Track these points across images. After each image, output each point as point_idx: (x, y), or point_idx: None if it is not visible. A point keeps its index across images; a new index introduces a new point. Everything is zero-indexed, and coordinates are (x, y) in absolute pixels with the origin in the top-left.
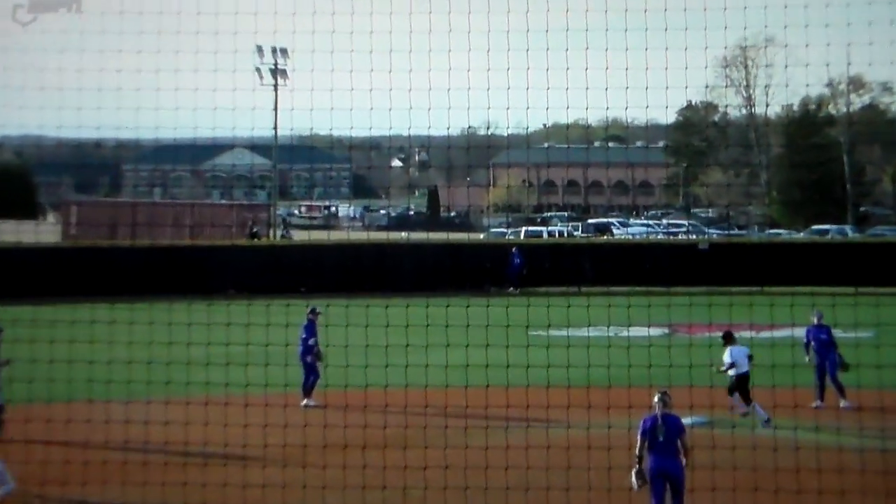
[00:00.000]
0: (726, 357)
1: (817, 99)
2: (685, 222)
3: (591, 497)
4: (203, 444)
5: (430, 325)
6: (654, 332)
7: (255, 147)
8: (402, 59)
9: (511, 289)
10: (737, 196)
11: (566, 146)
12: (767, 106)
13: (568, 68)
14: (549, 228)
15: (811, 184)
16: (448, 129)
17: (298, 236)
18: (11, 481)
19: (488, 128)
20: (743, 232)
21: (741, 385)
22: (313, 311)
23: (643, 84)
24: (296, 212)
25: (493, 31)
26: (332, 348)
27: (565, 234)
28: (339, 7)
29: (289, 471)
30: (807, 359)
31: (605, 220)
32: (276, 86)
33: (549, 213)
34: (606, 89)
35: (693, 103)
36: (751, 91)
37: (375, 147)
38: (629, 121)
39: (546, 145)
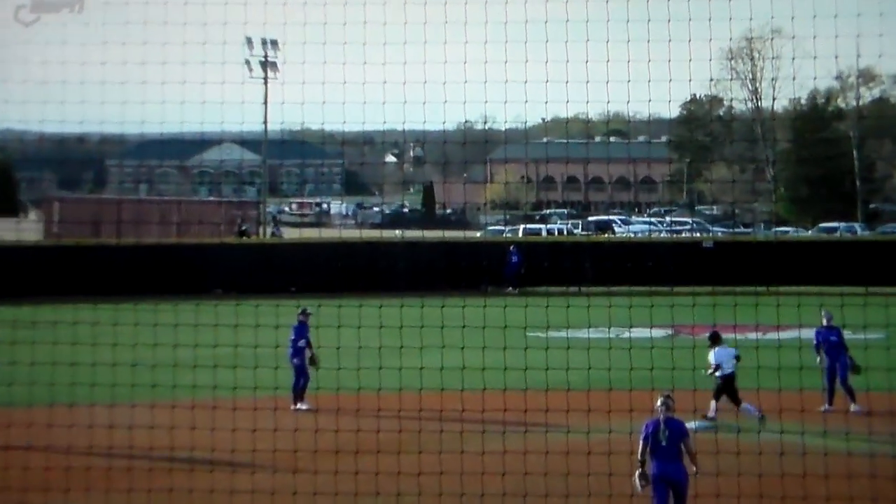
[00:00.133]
0: (711, 358)
1: (826, 92)
2: (689, 220)
3: None
4: (190, 449)
5: (425, 327)
6: (657, 333)
7: (245, 142)
8: (396, 52)
9: (509, 289)
10: (742, 193)
11: (566, 141)
12: (774, 99)
13: (568, 61)
14: (549, 226)
15: (819, 180)
16: (444, 123)
17: (289, 234)
18: None
19: (485, 122)
20: (748, 230)
21: (728, 387)
22: (304, 312)
23: (645, 77)
24: (286, 209)
25: (491, 23)
26: (323, 350)
27: (565, 232)
28: None
29: (278, 477)
30: (818, 360)
31: (606, 217)
32: (265, 78)
33: (548, 211)
34: (607, 82)
35: (697, 97)
36: (757, 84)
37: (369, 142)
38: (631, 115)
39: (545, 140)
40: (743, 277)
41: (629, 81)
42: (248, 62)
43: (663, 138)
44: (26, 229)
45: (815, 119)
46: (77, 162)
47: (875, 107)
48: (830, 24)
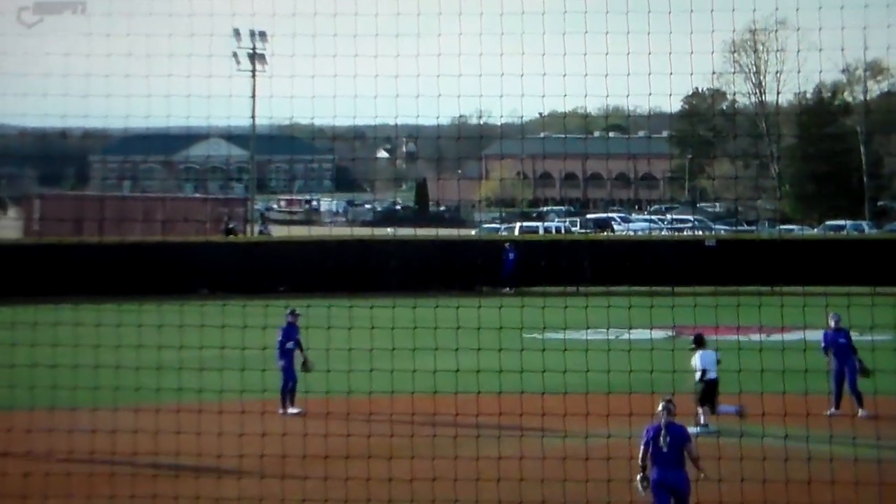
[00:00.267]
0: (696, 362)
1: (832, 86)
2: (691, 217)
3: None
4: (174, 455)
5: (418, 328)
6: (657, 334)
7: (232, 137)
8: (388, 44)
9: (506, 289)
10: (746, 189)
11: (563, 136)
12: (779, 93)
13: (565, 53)
14: (546, 224)
15: (825, 176)
16: (438, 117)
17: (277, 232)
18: None
19: (480, 116)
20: (752, 228)
21: (711, 392)
22: (293, 313)
23: (646, 70)
24: (275, 206)
25: (486, 14)
26: (312, 352)
27: (563, 230)
28: None
29: (266, 483)
30: (826, 359)
31: (605, 215)
32: (253, 71)
33: (545, 208)
34: (606, 76)
35: (699, 90)
36: (761, 77)
37: (360, 137)
38: (631, 109)
39: (542, 135)
40: (746, 277)
41: (629, 75)
42: (235, 55)
43: (664, 133)
44: (5, 227)
45: (821, 113)
46: (59, 157)
47: (883, 101)
48: (837, 16)
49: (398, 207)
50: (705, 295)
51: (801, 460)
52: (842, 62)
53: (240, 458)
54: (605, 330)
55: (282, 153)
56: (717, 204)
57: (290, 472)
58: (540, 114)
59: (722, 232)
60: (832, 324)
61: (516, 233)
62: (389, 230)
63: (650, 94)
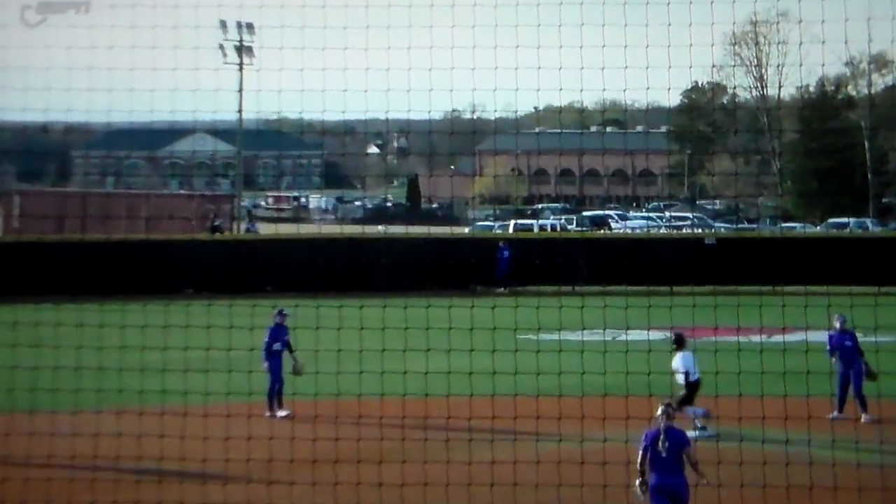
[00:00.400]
0: (678, 363)
1: (835, 79)
2: (690, 215)
3: None
4: (158, 459)
5: (409, 328)
6: (655, 335)
7: (218, 132)
8: (379, 36)
9: (501, 289)
10: (746, 186)
11: (559, 131)
12: (780, 87)
13: (561, 46)
14: (541, 221)
15: (828, 172)
16: (430, 112)
17: (265, 230)
18: None
19: (474, 111)
20: (753, 225)
21: (692, 393)
22: (280, 313)
23: (644, 63)
24: (262, 203)
25: (479, 6)
26: (300, 353)
27: (558, 228)
28: None
29: (252, 488)
30: (832, 362)
31: (601, 212)
32: (240, 64)
33: (540, 205)
34: (603, 69)
35: (699, 84)
36: (762, 71)
37: (350, 132)
38: (628, 103)
39: (537, 130)
40: (747, 276)
41: (626, 68)
42: (222, 47)
43: (663, 128)
44: None
45: (824, 108)
46: (40, 152)
47: (888, 94)
48: (840, 7)
49: (389, 204)
50: (704, 295)
51: (803, 465)
52: (845, 55)
53: (225, 463)
54: (601, 331)
55: (269, 149)
56: (717, 201)
57: (277, 478)
58: (535, 108)
59: (722, 230)
60: (837, 325)
61: (510, 231)
62: (380, 228)
63: (648, 87)
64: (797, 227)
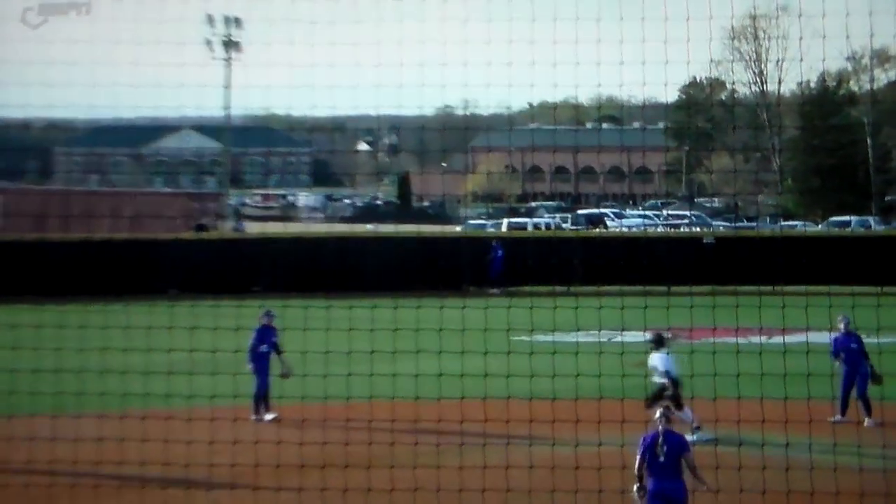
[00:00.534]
0: (658, 363)
1: (837, 74)
2: (688, 213)
3: None
4: (140, 464)
5: (399, 329)
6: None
7: (204, 129)
8: (369, 31)
9: (494, 290)
10: (746, 184)
11: (554, 128)
12: (780, 83)
13: (556, 41)
14: (535, 220)
15: (830, 170)
16: (421, 108)
17: (252, 229)
18: None
19: (466, 107)
20: (752, 224)
21: (661, 394)
22: (267, 314)
23: (640, 58)
24: (249, 201)
25: None
26: (287, 355)
27: (553, 227)
28: None
29: (238, 494)
30: (836, 365)
31: (597, 210)
32: (228, 60)
33: (534, 203)
34: (599, 64)
35: (697, 80)
36: (762, 66)
37: (339, 129)
38: (625, 99)
39: (531, 127)
40: (746, 276)
41: (622, 63)
42: (209, 42)
43: (660, 125)
44: None
45: (825, 104)
46: (21, 149)
47: (890, 90)
48: (841, 1)
49: (379, 203)
50: (703, 295)
51: (804, 469)
52: (847, 50)
53: (210, 468)
54: (596, 332)
55: (257, 145)
56: (716, 199)
57: (263, 483)
58: (529, 104)
59: (721, 229)
60: (841, 327)
61: (504, 229)
62: (370, 227)
63: (645, 83)
64: (798, 226)
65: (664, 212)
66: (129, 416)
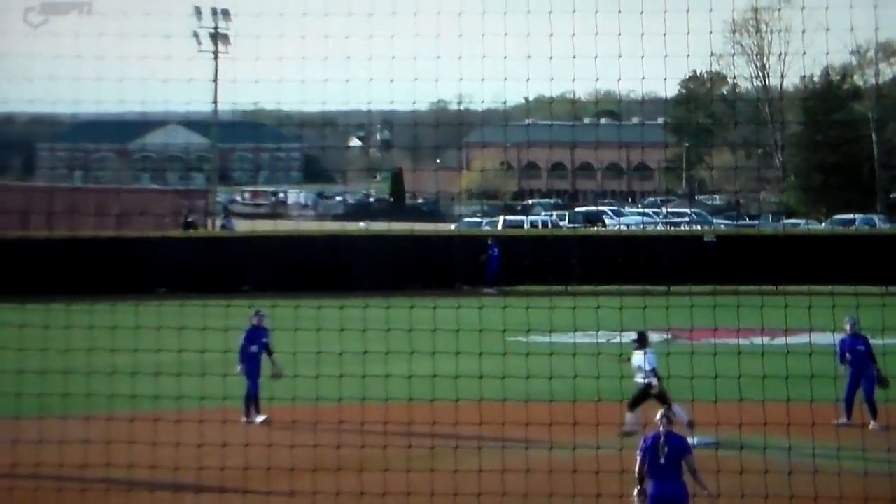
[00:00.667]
0: (643, 361)
1: (841, 68)
2: (688, 211)
3: None
4: (128, 467)
5: (392, 330)
6: (651, 337)
7: (192, 124)
8: (361, 24)
9: (490, 289)
10: (748, 181)
11: (550, 123)
12: (783, 77)
13: (552, 34)
14: (531, 218)
15: (834, 166)
16: (414, 103)
17: (241, 227)
18: None
19: (460, 102)
20: (754, 222)
21: (647, 394)
22: (258, 314)
23: (639, 52)
24: (238, 198)
25: None
26: (277, 356)
27: (549, 225)
28: None
29: (227, 498)
30: (842, 369)
31: (595, 208)
32: (216, 53)
33: (530, 201)
34: (596, 58)
35: (697, 74)
36: (764, 59)
37: (330, 124)
38: (623, 94)
39: (527, 122)
40: (748, 275)
41: (621, 56)
42: (196, 34)
43: (659, 120)
44: None
45: (828, 98)
46: (3, 145)
47: None
48: None
49: (371, 200)
50: (703, 295)
51: (807, 474)
52: (852, 43)
53: (198, 471)
54: (594, 333)
55: (246, 141)
56: (717, 196)
57: (253, 487)
58: (525, 99)
59: (722, 226)
60: (848, 328)
61: (499, 227)
62: (362, 224)
63: (644, 77)
64: (801, 224)
65: (664, 209)
66: (116, 417)
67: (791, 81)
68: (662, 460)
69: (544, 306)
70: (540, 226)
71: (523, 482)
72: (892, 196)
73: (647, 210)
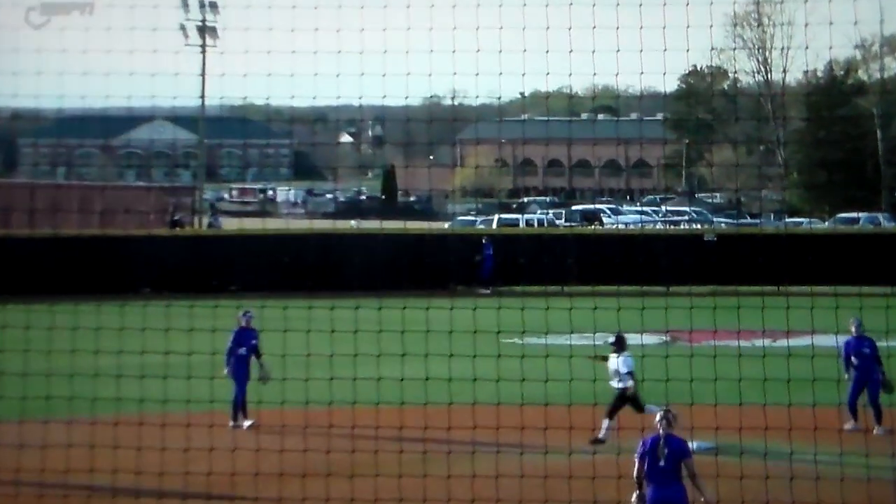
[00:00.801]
0: (621, 365)
1: (845, 63)
2: (688, 209)
3: None
4: (112, 472)
5: (384, 331)
6: (649, 339)
7: (178, 119)
8: (352, 16)
9: (485, 290)
10: (749, 178)
11: (546, 119)
12: (786, 72)
13: (548, 27)
14: (527, 216)
15: (837, 163)
16: (407, 98)
17: (229, 225)
18: None
19: (454, 97)
20: (756, 221)
21: (627, 398)
22: (246, 315)
23: (637, 46)
24: (226, 196)
25: None
26: (265, 358)
27: (545, 223)
28: None
29: None
30: (846, 377)
31: (593, 206)
32: (203, 46)
33: (526, 199)
34: (594, 52)
35: (697, 68)
36: (766, 54)
37: (321, 120)
38: (621, 89)
39: (523, 118)
40: (749, 275)
41: (619, 51)
42: (183, 27)
43: (659, 116)
44: None
45: (832, 94)
46: None
47: None
48: None
49: (363, 197)
50: (703, 295)
51: (809, 480)
52: (856, 37)
53: (185, 476)
54: (591, 334)
55: (234, 137)
56: (717, 194)
57: (241, 493)
58: (521, 94)
59: (722, 225)
60: (853, 330)
61: (494, 226)
62: (353, 223)
63: (643, 72)
64: (803, 223)
65: (663, 208)
66: (100, 421)
67: (794, 76)
68: (662, 463)
69: (540, 307)
70: (536, 224)
71: (518, 488)
72: None
73: (645, 208)
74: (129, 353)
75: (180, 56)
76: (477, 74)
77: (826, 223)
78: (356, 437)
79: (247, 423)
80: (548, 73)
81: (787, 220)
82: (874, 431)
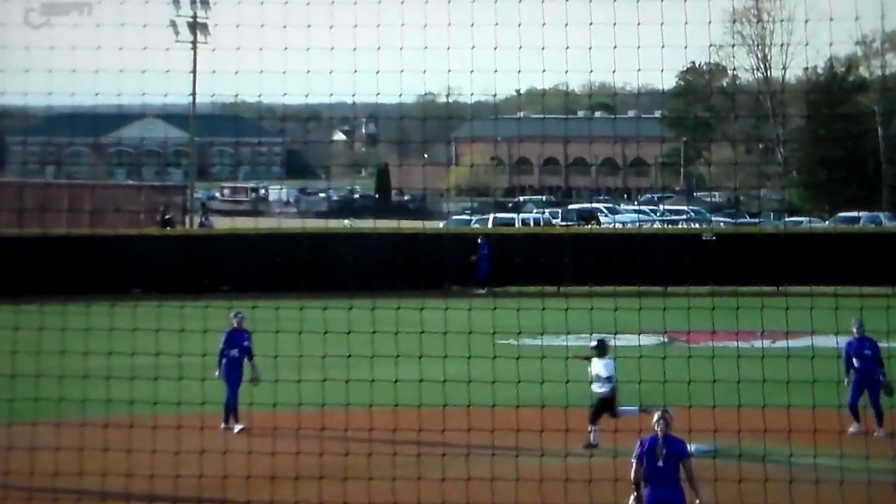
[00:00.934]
0: (603, 370)
1: (846, 60)
2: (686, 208)
3: None
4: (101, 475)
5: (377, 332)
6: (647, 340)
7: (169, 117)
8: (345, 13)
9: (481, 290)
10: (748, 177)
11: (542, 117)
12: (785, 68)
13: (544, 23)
14: (523, 215)
15: (838, 162)
16: (401, 96)
17: (220, 224)
18: None
19: (449, 94)
20: (755, 220)
21: (605, 404)
22: (237, 316)
23: (635, 42)
24: (217, 195)
25: None
26: (258, 359)
27: (542, 223)
28: None
29: None
30: (846, 381)
31: (589, 205)
32: (194, 43)
33: (522, 198)
34: (590, 48)
35: (696, 65)
36: (765, 50)
37: (314, 117)
38: (618, 86)
39: (519, 115)
40: (748, 275)
41: (616, 47)
42: (173, 24)
43: (656, 113)
44: None
45: (833, 91)
46: None
47: None
48: None
49: (356, 196)
50: (701, 296)
51: (808, 483)
52: (857, 33)
53: (175, 479)
54: (587, 335)
55: (225, 135)
56: (716, 193)
57: (232, 496)
58: (516, 91)
59: (721, 225)
60: (854, 331)
61: (489, 225)
62: (346, 222)
63: (640, 69)
64: (803, 222)
65: (661, 207)
66: (90, 423)
67: (793, 73)
68: (660, 463)
69: (536, 308)
70: (532, 224)
71: (513, 491)
72: None
73: (643, 207)
74: (119, 355)
75: (171, 53)
76: (472, 71)
77: (826, 222)
78: (349, 439)
79: (238, 428)
80: (544, 71)
81: (786, 219)
82: (875, 433)
